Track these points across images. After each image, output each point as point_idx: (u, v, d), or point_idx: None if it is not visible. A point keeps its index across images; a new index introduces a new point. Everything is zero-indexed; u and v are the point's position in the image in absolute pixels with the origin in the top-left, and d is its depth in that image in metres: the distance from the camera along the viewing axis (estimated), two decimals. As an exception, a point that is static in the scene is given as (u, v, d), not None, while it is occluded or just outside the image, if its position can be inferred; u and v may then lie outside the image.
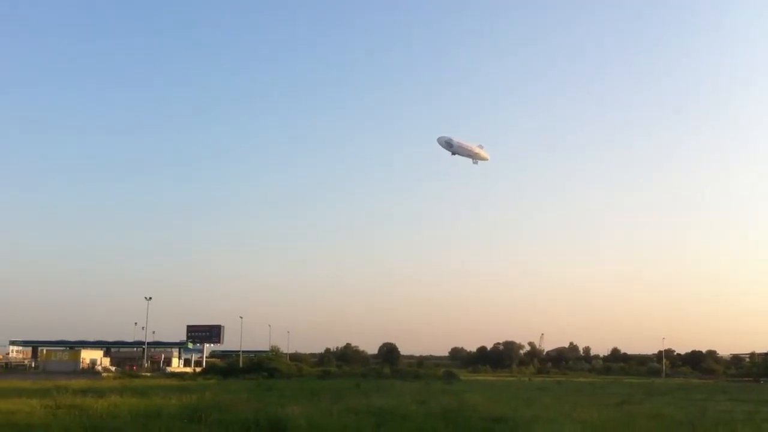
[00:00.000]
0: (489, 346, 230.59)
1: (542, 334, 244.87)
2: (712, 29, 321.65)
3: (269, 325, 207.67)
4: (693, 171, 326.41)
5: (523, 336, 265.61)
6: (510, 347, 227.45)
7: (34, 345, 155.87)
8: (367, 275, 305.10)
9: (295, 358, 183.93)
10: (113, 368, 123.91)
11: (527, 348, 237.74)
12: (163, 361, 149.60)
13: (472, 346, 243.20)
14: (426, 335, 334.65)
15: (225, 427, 28.17)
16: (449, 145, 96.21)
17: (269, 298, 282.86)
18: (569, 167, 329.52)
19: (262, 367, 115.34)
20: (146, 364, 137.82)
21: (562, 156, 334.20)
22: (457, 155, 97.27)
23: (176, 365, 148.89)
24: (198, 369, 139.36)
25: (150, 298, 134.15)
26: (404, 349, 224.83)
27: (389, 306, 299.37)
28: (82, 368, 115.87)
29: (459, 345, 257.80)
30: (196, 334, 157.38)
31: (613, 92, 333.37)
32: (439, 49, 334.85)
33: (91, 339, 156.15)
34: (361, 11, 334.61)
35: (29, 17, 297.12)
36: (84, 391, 48.01)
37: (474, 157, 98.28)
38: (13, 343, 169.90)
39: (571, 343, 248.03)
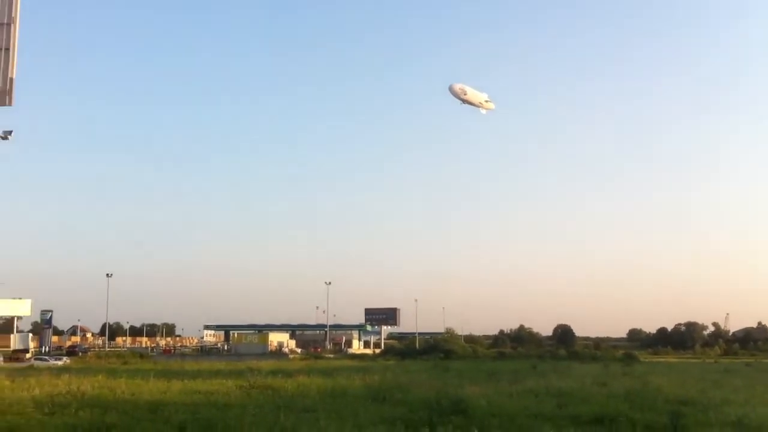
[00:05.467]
0: (669, 327, 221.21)
1: (727, 314, 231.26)
2: None
3: (443, 308, 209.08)
4: None
5: (706, 316, 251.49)
6: (692, 328, 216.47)
7: (226, 329, 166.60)
8: (539, 255, 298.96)
9: (470, 339, 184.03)
10: (298, 350, 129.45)
11: (711, 329, 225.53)
12: (345, 343, 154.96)
13: (651, 328, 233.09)
14: (602, 316, 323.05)
15: (408, 407, 28.82)
16: (463, 93, 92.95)
17: (443, 281, 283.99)
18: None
19: (438, 349, 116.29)
20: (329, 346, 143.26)
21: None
22: (466, 104, 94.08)
23: (357, 347, 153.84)
24: (377, 350, 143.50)
25: (330, 282, 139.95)
26: (579, 331, 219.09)
27: (563, 287, 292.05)
28: (270, 350, 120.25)
29: (637, 326, 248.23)
30: (374, 317, 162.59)
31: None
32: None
33: (277, 323, 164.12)
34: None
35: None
36: (273, 372, 49.89)
37: (482, 106, 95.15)
38: (207, 327, 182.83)
39: (759, 323, 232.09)
